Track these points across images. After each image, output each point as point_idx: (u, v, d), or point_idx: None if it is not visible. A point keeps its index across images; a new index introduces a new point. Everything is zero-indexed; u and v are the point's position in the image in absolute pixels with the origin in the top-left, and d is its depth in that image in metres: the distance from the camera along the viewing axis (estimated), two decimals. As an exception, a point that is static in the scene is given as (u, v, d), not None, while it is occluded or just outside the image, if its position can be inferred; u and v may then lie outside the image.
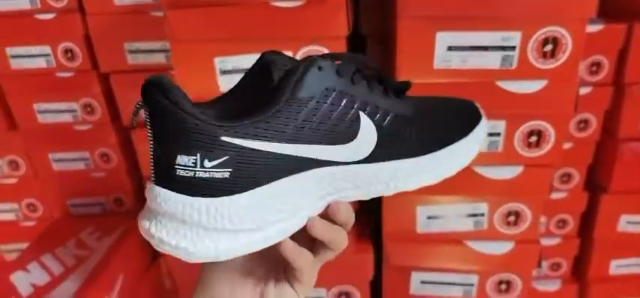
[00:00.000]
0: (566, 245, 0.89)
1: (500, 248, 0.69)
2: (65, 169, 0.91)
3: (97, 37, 0.79)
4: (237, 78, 0.60)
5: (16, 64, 0.82)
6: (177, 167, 0.27)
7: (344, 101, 0.29)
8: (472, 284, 0.71)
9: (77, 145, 0.89)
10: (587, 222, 0.87)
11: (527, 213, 0.67)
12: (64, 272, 0.79)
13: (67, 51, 0.80)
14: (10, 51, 0.81)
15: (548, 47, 0.56)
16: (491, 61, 0.58)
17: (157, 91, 0.26)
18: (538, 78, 0.59)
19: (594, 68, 0.77)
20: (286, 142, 0.28)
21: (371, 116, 0.31)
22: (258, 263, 0.33)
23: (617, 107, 0.78)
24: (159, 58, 0.79)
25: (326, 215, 0.32)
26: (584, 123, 0.81)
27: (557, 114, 0.61)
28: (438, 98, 0.37)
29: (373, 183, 0.32)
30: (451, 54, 0.58)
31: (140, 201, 0.94)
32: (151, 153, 0.28)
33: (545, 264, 0.91)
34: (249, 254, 0.30)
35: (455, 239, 0.69)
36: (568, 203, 0.86)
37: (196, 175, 0.27)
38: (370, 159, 0.31)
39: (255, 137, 0.27)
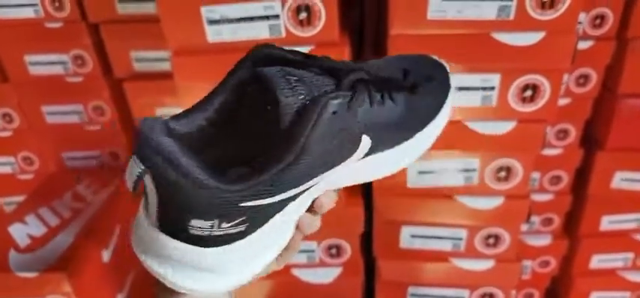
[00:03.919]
0: (558, 201, 0.89)
1: (490, 203, 0.69)
2: (59, 122, 0.91)
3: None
4: (225, 28, 0.59)
5: (2, 14, 0.80)
6: (190, 227, 0.26)
7: (350, 136, 0.29)
8: (461, 238, 0.72)
9: (70, 98, 0.88)
10: (581, 179, 0.87)
11: (519, 168, 0.66)
12: (61, 223, 0.80)
13: (54, 0, 0.78)
14: (-4, 1, 0.79)
15: (548, -4, 0.54)
16: (488, 11, 0.56)
17: (161, 161, 0.24)
18: (536, 30, 0.57)
19: (598, 21, 0.74)
20: (293, 188, 0.28)
21: (368, 133, 0.30)
22: None
23: (618, 62, 0.76)
24: (149, 8, 0.77)
25: (310, 208, 0.32)
26: (583, 79, 0.79)
27: (554, 68, 0.59)
28: (418, 67, 0.35)
29: (361, 174, 0.32)
30: (446, 4, 0.55)
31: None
32: (156, 207, 0.26)
33: (537, 219, 0.91)
34: None
35: (445, 194, 0.69)
36: (563, 159, 0.85)
37: (212, 234, 0.27)
38: (363, 157, 0.31)
39: (269, 194, 0.27)
